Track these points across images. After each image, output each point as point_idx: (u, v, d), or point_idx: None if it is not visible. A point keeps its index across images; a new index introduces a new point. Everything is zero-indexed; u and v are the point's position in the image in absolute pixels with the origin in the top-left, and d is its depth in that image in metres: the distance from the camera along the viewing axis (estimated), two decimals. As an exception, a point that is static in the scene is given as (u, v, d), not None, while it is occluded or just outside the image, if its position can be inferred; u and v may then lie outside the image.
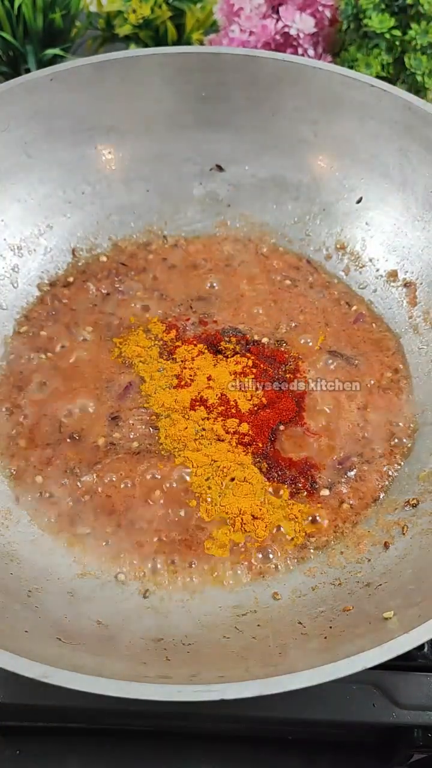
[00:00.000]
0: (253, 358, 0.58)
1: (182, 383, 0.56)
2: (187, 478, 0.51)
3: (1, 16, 0.77)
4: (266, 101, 0.64)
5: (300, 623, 0.43)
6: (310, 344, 0.60)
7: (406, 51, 0.73)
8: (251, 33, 0.76)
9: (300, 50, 0.76)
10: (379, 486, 0.52)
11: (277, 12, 0.76)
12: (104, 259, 0.65)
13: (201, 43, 0.82)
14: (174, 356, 0.58)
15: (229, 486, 0.51)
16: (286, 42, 0.77)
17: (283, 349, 0.59)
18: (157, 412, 0.55)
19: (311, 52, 0.77)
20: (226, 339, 0.59)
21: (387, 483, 0.52)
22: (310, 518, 0.50)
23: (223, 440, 0.53)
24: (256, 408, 0.55)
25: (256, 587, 0.47)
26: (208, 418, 0.54)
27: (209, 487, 0.51)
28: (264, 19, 0.75)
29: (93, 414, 0.55)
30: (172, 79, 0.64)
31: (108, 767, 0.49)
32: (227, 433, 0.53)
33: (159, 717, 0.48)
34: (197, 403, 0.54)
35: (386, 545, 0.47)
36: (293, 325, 0.61)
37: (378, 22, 0.71)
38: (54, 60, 0.80)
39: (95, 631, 0.42)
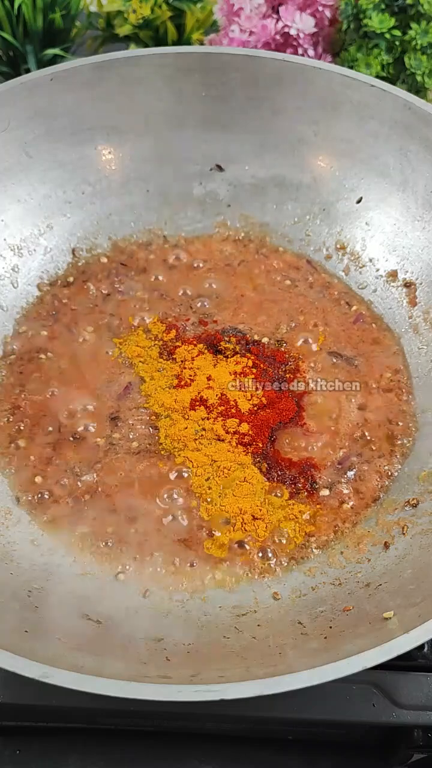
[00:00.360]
0: (253, 358, 0.58)
1: (182, 383, 0.56)
2: (188, 478, 0.51)
3: (1, 16, 0.77)
4: (266, 101, 0.64)
5: (300, 623, 0.43)
6: (310, 344, 0.60)
7: (406, 51, 0.73)
8: (251, 33, 0.76)
9: (300, 50, 0.76)
10: (379, 486, 0.52)
11: (277, 12, 0.76)
12: (104, 259, 0.65)
13: (201, 43, 0.82)
14: (174, 356, 0.58)
15: (229, 486, 0.51)
16: (286, 42, 0.77)
17: (283, 349, 0.59)
18: (157, 412, 0.55)
19: (311, 52, 0.77)
20: (226, 339, 0.59)
21: (387, 483, 0.52)
22: (310, 518, 0.50)
23: (223, 440, 0.53)
24: (256, 408, 0.55)
25: (256, 587, 0.47)
26: (208, 418, 0.54)
27: (209, 487, 0.51)
28: (264, 19, 0.75)
29: (93, 414, 0.55)
30: (172, 79, 0.64)
31: (108, 767, 0.49)
32: (227, 433, 0.53)
33: (159, 717, 0.48)
34: (197, 403, 0.54)
35: (386, 545, 0.47)
36: (293, 325, 0.61)
37: (378, 22, 0.71)
38: (54, 60, 0.79)
39: (95, 631, 0.42)
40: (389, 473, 0.52)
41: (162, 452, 0.53)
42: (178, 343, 0.59)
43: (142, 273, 0.64)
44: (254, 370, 0.57)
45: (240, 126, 0.66)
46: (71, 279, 0.63)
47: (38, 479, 0.51)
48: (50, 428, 0.54)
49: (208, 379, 0.56)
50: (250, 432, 0.53)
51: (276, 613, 0.45)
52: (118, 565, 0.48)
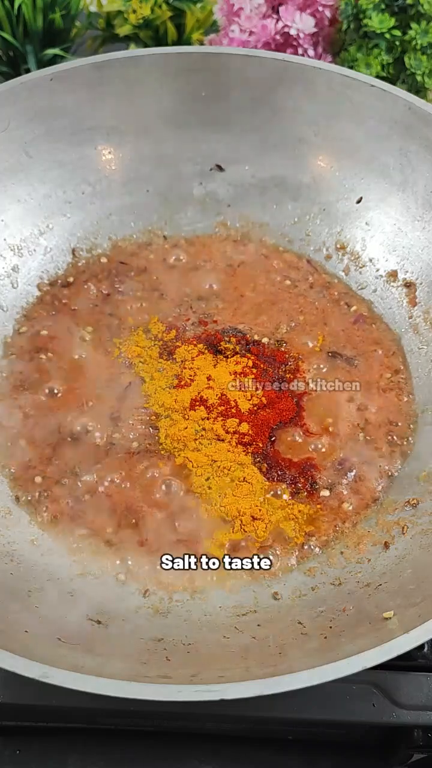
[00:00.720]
0: (253, 358, 0.58)
1: (182, 383, 0.56)
2: (188, 478, 0.51)
3: (1, 16, 0.77)
4: (266, 101, 0.64)
5: (300, 623, 0.43)
6: (310, 344, 0.60)
7: (406, 51, 0.73)
8: (251, 33, 0.76)
9: (300, 50, 0.76)
10: (379, 486, 0.52)
11: (277, 12, 0.76)
12: (104, 259, 0.65)
13: (201, 43, 0.82)
14: (174, 356, 0.58)
15: (229, 486, 0.51)
16: (286, 42, 0.77)
17: (283, 349, 0.59)
18: (157, 412, 0.55)
19: (311, 52, 0.77)
20: (226, 339, 0.59)
21: (387, 483, 0.52)
22: (310, 518, 0.50)
23: (223, 440, 0.53)
24: (256, 408, 0.55)
25: (256, 587, 0.47)
26: (208, 418, 0.54)
27: (209, 487, 0.51)
28: (264, 19, 0.75)
29: (93, 414, 0.55)
30: (172, 79, 0.64)
31: (108, 767, 0.49)
32: (227, 433, 0.53)
33: (159, 717, 0.48)
34: (197, 403, 0.54)
35: (386, 545, 0.47)
36: (293, 325, 0.61)
37: (378, 22, 0.71)
38: (54, 60, 0.79)
39: (95, 631, 0.42)
40: (389, 473, 0.52)
41: (162, 452, 0.53)
42: (178, 343, 0.59)
43: (142, 273, 0.64)
44: (254, 370, 0.57)
45: (240, 126, 0.66)
46: (71, 279, 0.63)
47: (38, 479, 0.51)
48: (50, 428, 0.54)
49: (208, 379, 0.56)
50: (250, 432, 0.53)
51: (276, 613, 0.45)
52: (118, 565, 0.48)
